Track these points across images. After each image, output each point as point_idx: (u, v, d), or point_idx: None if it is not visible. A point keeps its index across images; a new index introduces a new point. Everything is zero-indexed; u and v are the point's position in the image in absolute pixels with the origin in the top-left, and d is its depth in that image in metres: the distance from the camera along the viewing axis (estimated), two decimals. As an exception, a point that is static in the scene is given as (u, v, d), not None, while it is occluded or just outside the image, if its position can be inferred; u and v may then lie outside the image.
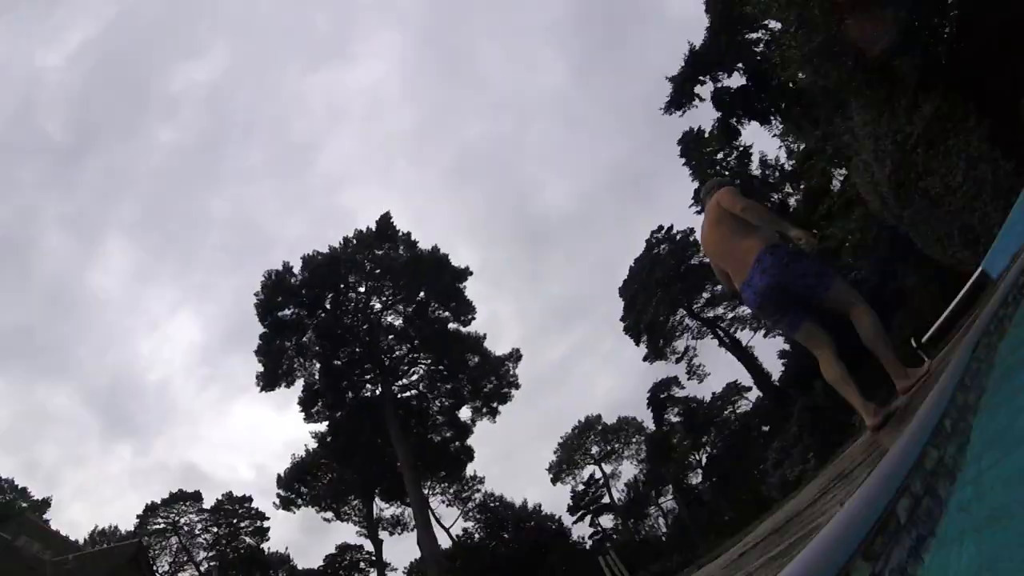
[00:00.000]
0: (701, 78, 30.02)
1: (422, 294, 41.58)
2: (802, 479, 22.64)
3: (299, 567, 43.22)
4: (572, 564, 37.45)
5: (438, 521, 40.76)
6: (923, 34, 12.94)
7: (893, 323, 17.62)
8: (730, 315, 43.51)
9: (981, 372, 3.24)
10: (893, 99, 13.17)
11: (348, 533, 48.29)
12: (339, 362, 39.87)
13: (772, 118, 28.99)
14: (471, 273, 42.42)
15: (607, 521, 50.70)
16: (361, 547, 43.08)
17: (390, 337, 41.74)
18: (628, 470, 52.48)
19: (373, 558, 42.02)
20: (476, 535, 41.81)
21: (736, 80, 29.27)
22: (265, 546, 42.90)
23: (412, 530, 38.27)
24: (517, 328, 78.25)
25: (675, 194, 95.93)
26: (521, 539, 39.92)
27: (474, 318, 42.38)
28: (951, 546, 1.44)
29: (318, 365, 39.75)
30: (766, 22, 22.08)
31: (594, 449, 52.11)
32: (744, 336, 42.98)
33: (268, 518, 43.48)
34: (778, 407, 35.32)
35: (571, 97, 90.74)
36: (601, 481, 51.06)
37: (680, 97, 30.65)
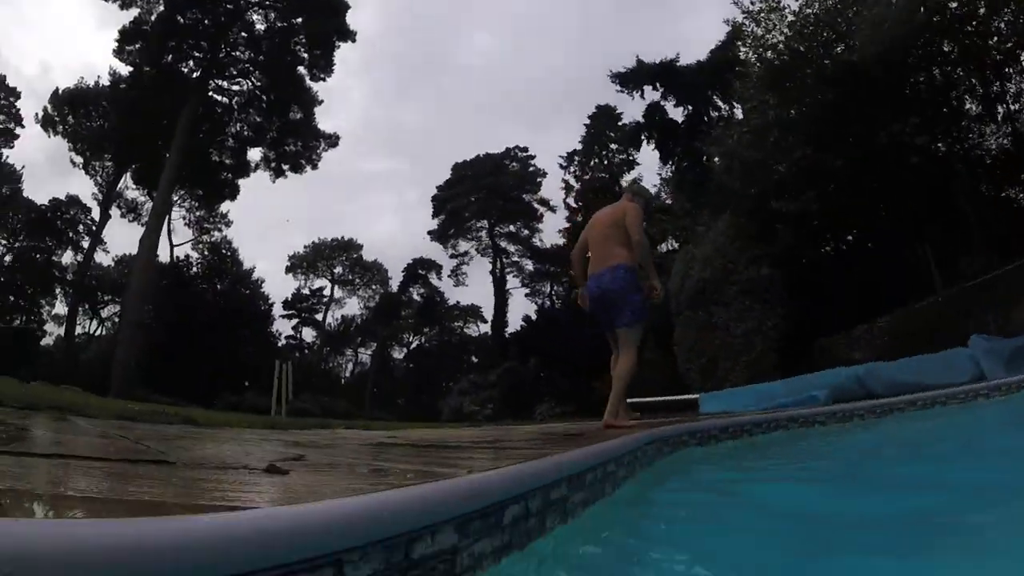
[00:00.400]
0: (650, 86, 31.27)
1: (299, 20, 37.84)
2: (471, 418, 25.67)
3: (25, 195, 39.64)
4: (255, 347, 38.61)
5: (170, 233, 38.97)
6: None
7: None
8: (516, 257, 46.86)
9: (627, 463, 4.04)
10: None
11: (84, 189, 45.83)
12: (182, 19, 35.41)
13: (671, 164, 30.83)
14: (354, 38, 38.93)
15: (307, 335, 52.67)
16: (89, 210, 40.72)
17: (242, 34, 37.81)
18: (352, 306, 54.21)
19: (93, 227, 39.83)
20: (195, 268, 40.99)
21: (677, 113, 30.79)
22: (5, 151, 38.53)
23: (142, 225, 36.59)
24: (355, 122, 75.68)
25: (563, 135, 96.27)
26: (230, 297, 40.02)
27: (325, 79, 39.46)
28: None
29: (163, 6, 35.33)
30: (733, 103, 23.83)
31: (338, 269, 53.03)
32: (513, 280, 46.44)
33: (24, 126, 38.98)
34: (495, 351, 39.19)
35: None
36: (326, 299, 52.49)
37: (624, 88, 31.85)
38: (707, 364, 16.31)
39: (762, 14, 16.08)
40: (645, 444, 4.81)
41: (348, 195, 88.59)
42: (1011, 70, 15.52)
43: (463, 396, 27.37)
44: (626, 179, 38.60)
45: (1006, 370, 8.69)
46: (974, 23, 14.90)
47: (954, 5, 14.59)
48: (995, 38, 15.12)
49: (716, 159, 18.85)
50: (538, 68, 75.51)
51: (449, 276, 49.97)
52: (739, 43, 18.52)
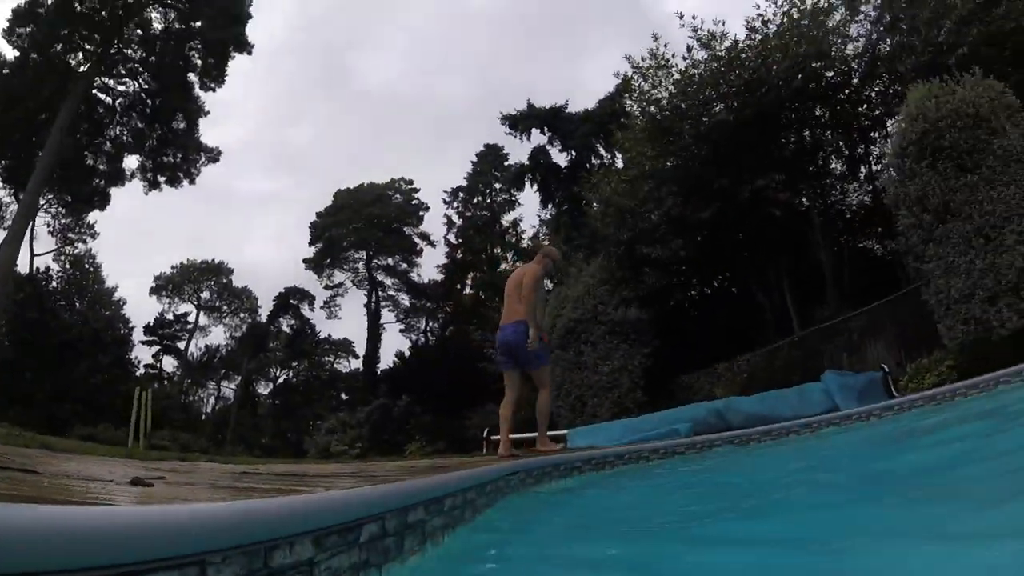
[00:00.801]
0: (538, 129, 32.02)
1: (197, 24, 34.99)
2: (339, 457, 24.59)
3: None
4: (112, 375, 35.67)
5: (31, 241, 34.75)
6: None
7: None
8: (392, 291, 45.52)
9: (489, 492, 4.20)
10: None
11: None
12: (79, 6, 32.29)
13: (550, 207, 31.61)
14: (251, 51, 36.23)
15: (168, 364, 49.06)
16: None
17: (137, 31, 34.77)
18: (218, 335, 51.36)
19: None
20: (54, 282, 37.18)
21: (561, 158, 31.62)
22: None
23: (3, 228, 32.76)
24: (240, 138, 72.87)
25: (449, 169, 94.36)
26: (88, 318, 36.77)
27: (215, 89, 36.73)
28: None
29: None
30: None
31: (205, 294, 50.17)
32: (388, 315, 45.09)
33: None
34: (365, 388, 37.77)
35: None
36: (190, 327, 49.30)
37: (513, 130, 32.50)
38: (576, 401, 16.56)
39: (651, 70, 16.71)
40: (508, 474, 4.81)
41: (224, 214, 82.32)
42: (876, 135, 16.77)
43: (331, 434, 26.28)
44: (506, 219, 39.46)
45: (859, 402, 9.18)
46: (847, 91, 16.10)
47: (830, 74, 15.68)
48: (865, 105, 16.39)
49: (594, 204, 19.41)
50: (433, 99, 74.90)
51: (322, 307, 48.05)
52: (626, 96, 19.21)
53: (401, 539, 2.37)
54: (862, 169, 18.65)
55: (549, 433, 7.25)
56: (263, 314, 49.89)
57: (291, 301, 48.64)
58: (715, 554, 2.23)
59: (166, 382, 46.53)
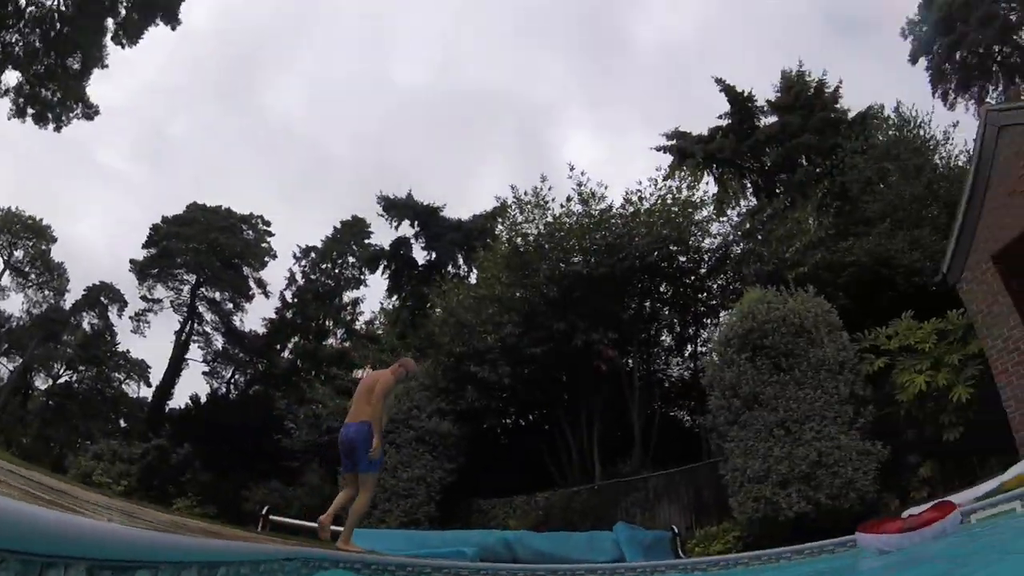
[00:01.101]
0: (409, 221, 32.03)
1: None
2: (101, 488, 21.66)
3: None
4: None
5: None
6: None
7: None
8: (209, 328, 42.17)
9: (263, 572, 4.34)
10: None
11: None
12: None
13: (395, 298, 31.32)
14: (175, 26, 30.90)
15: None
16: None
17: None
18: (14, 304, 44.29)
19: None
20: None
21: (420, 255, 31.78)
22: None
23: None
24: (124, 105, 66.37)
25: (301, 224, 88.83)
26: None
27: (124, 46, 30.47)
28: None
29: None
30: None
31: (19, 252, 43.74)
32: (196, 351, 41.55)
33: None
34: (147, 423, 34.11)
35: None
36: None
37: (386, 213, 32.47)
38: (367, 501, 15.84)
39: (528, 205, 17.34)
40: (285, 559, 4.49)
41: (71, 176, 71.28)
42: (708, 321, 18.12)
43: (97, 461, 23.33)
44: (348, 295, 38.57)
45: (645, 556, 9.50)
46: (693, 277, 17.41)
47: (683, 259, 16.86)
48: (706, 293, 17.77)
49: (437, 310, 19.50)
50: (322, 146, 73.12)
51: (131, 318, 43.14)
52: (500, 220, 19.86)
53: None
54: (688, 347, 20.14)
55: (332, 528, 7.10)
56: (68, 300, 44.29)
57: (101, 299, 43.62)
58: None
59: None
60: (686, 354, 20.36)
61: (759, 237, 16.90)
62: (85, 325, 44.33)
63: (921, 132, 19.15)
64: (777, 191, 22.59)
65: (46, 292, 44.74)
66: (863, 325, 11.80)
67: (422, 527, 13.95)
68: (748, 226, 17.66)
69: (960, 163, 17.48)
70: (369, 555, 7.05)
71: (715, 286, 17.73)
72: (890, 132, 19.93)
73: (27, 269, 44.04)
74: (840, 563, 6.21)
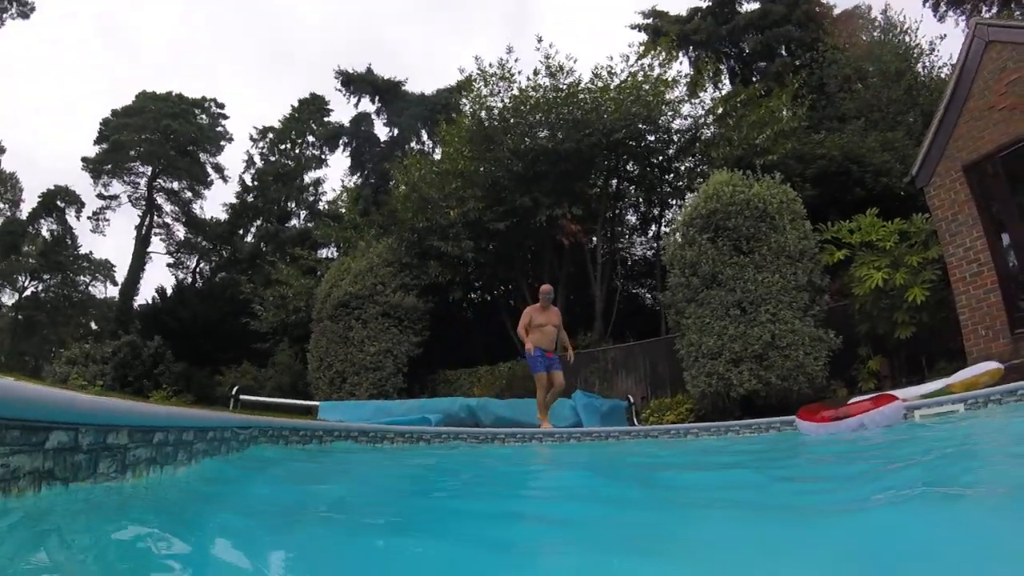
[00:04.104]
0: (368, 97, 31.13)
1: None
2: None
3: None
4: None
5: None
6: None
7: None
8: (169, 219, 41.52)
9: (211, 439, 4.08)
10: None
11: None
12: None
13: (357, 175, 30.91)
14: None
15: None
16: None
17: None
18: None
19: None
20: None
21: (382, 132, 31.05)
22: None
23: None
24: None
25: (259, 102, 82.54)
26: None
27: None
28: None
29: None
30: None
31: None
32: (158, 244, 41.15)
33: None
34: (118, 319, 34.15)
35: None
36: None
37: (344, 88, 31.24)
38: (336, 376, 16.18)
39: (494, 78, 16.80)
40: (237, 427, 4.52)
41: (14, 78, 65.43)
42: (674, 202, 18.05)
43: (71, 365, 23.16)
44: (310, 175, 37.64)
45: (601, 423, 9.94)
46: (661, 157, 17.19)
47: (652, 138, 16.67)
48: (672, 175, 17.60)
49: (401, 187, 19.11)
50: (279, 17, 67.76)
51: (90, 218, 42.13)
52: (464, 93, 19.16)
53: (95, 459, 2.17)
54: (653, 228, 20.29)
55: (303, 402, 7.45)
56: (24, 210, 42.90)
57: (58, 202, 42.27)
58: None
59: None
60: (650, 234, 20.54)
61: (730, 122, 16.64)
62: (44, 232, 43.20)
63: (907, 39, 19.08)
64: (753, 79, 22.18)
65: (1, 205, 43.12)
66: (827, 217, 12.01)
67: (391, 398, 14.31)
68: (720, 111, 17.36)
69: (943, 75, 17.54)
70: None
71: (682, 168, 17.60)
72: (875, 34, 19.69)
73: (-23, 185, 41.68)
74: (785, 441, 6.47)
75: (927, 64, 18.87)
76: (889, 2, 20.39)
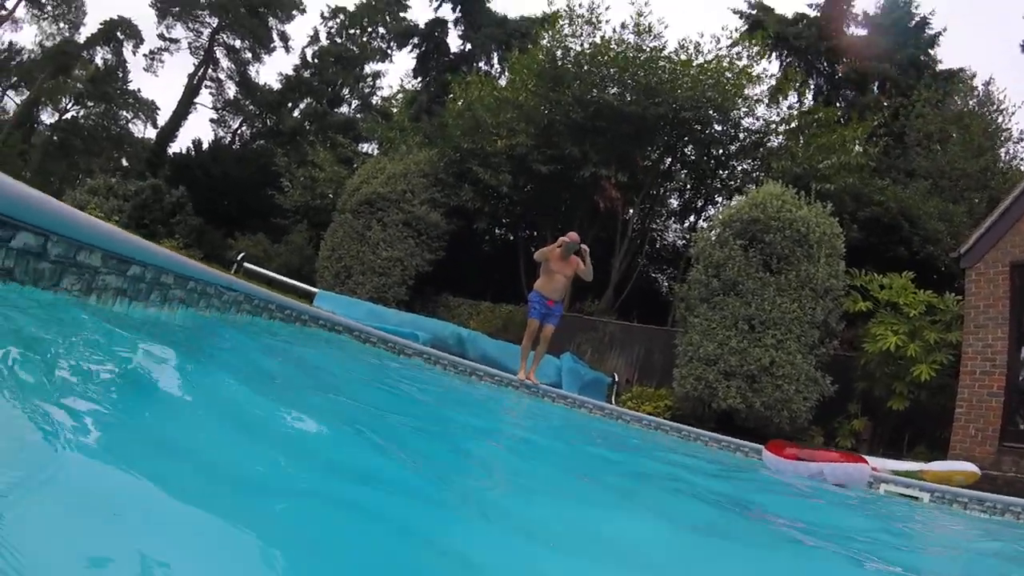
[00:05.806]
0: (450, 4, 30.16)
1: None
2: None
3: None
4: None
5: None
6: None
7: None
8: (223, 75, 40.58)
9: (191, 290, 4.38)
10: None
11: None
12: None
13: (419, 80, 30.08)
14: None
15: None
16: None
17: None
18: (27, 37, 42.53)
19: None
20: None
21: (455, 43, 30.29)
22: None
23: None
24: None
25: None
26: None
27: None
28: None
29: None
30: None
31: None
32: (205, 98, 40.23)
33: None
34: (147, 163, 33.03)
35: None
36: (4, 12, 38.60)
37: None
38: (343, 270, 16.24)
39: (580, 19, 16.30)
40: (223, 286, 4.50)
41: None
42: (720, 199, 17.66)
43: (92, 195, 23.17)
44: (371, 67, 36.96)
45: (579, 391, 9.87)
46: (721, 150, 16.71)
47: (718, 128, 16.12)
48: (726, 172, 17.18)
49: (458, 102, 18.75)
50: None
51: (146, 55, 41.10)
52: (546, 27, 18.59)
53: (61, 272, 2.12)
54: (691, 219, 19.93)
55: (304, 286, 7.40)
56: (83, 34, 41.42)
57: (118, 34, 40.88)
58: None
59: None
60: (686, 224, 20.18)
61: (800, 137, 16.12)
62: (98, 60, 41.56)
63: (1000, 119, 18.39)
64: (837, 103, 21.41)
65: (61, 25, 41.53)
66: (863, 264, 11.75)
67: (389, 307, 14.31)
68: (795, 124, 16.75)
69: (1023, 168, 17.26)
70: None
71: (739, 168, 17.15)
72: (970, 102, 18.85)
73: (44, 0, 40.80)
74: (747, 468, 6.41)
75: (1011, 151, 18.43)
76: (995, 76, 19.49)
